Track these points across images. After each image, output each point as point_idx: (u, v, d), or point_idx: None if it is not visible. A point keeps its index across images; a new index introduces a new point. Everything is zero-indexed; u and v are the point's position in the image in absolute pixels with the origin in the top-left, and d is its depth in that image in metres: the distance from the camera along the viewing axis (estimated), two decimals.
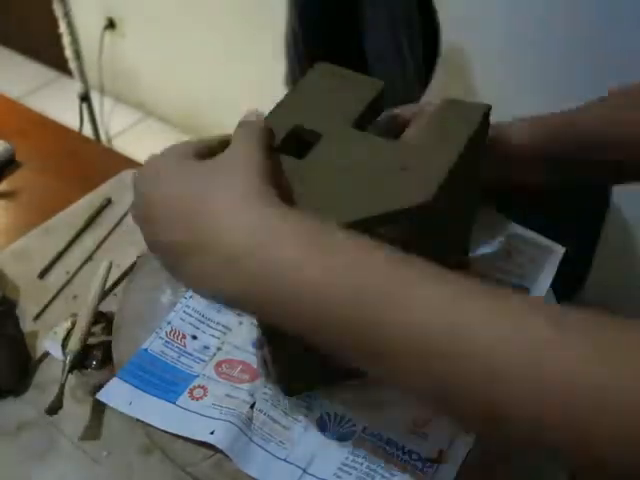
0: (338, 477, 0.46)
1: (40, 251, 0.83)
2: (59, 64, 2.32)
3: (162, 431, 0.48)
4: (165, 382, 0.52)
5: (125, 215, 0.88)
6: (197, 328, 0.56)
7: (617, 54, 1.28)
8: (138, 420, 0.49)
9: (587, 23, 1.31)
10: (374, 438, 0.48)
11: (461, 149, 0.47)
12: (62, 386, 0.62)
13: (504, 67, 1.51)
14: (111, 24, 2.33)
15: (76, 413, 0.66)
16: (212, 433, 0.47)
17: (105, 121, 2.39)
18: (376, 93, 0.54)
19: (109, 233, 0.86)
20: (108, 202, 0.90)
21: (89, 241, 0.85)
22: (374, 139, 0.49)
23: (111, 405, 0.50)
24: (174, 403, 0.50)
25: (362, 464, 0.46)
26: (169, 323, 0.56)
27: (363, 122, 0.52)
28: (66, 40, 1.94)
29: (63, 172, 0.91)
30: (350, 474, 0.46)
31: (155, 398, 0.50)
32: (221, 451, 0.46)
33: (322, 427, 0.49)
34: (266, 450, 0.47)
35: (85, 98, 2.09)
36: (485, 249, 0.62)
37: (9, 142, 0.98)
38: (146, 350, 0.54)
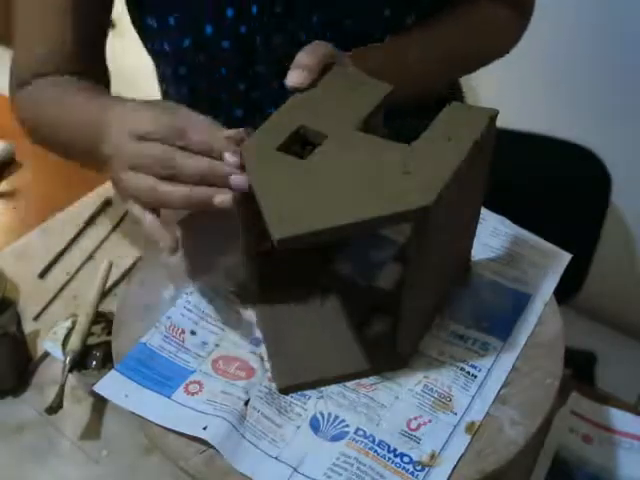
0: (328, 477, 0.46)
1: (40, 251, 0.84)
2: None
3: (156, 425, 0.49)
4: (162, 376, 0.52)
5: (125, 215, 0.89)
6: (196, 324, 0.56)
7: (620, 54, 1.28)
8: (133, 413, 0.49)
9: (591, 22, 1.31)
10: (366, 440, 0.48)
11: (465, 154, 0.47)
12: (62, 386, 0.63)
13: (505, 67, 1.50)
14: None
15: (76, 413, 0.66)
16: (205, 429, 0.47)
17: None
18: (384, 96, 0.54)
19: (109, 233, 0.87)
20: (108, 202, 0.91)
21: (89, 241, 0.86)
22: (378, 141, 0.49)
23: (107, 397, 0.50)
24: (169, 397, 0.50)
25: (353, 465, 0.46)
26: (169, 318, 0.56)
27: (370, 124, 0.52)
28: None
29: (63, 172, 0.91)
30: (340, 475, 0.46)
31: (151, 392, 0.51)
32: (213, 447, 0.47)
33: (315, 427, 0.49)
34: (258, 447, 0.48)
35: None
36: (488, 253, 0.62)
37: (9, 142, 0.98)
38: (145, 344, 0.54)
